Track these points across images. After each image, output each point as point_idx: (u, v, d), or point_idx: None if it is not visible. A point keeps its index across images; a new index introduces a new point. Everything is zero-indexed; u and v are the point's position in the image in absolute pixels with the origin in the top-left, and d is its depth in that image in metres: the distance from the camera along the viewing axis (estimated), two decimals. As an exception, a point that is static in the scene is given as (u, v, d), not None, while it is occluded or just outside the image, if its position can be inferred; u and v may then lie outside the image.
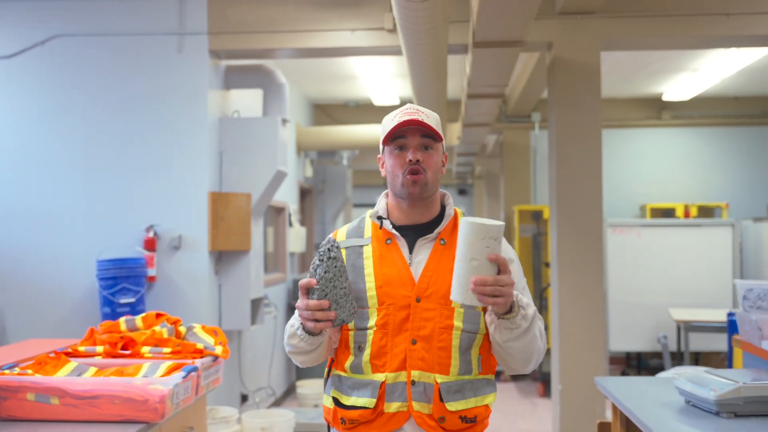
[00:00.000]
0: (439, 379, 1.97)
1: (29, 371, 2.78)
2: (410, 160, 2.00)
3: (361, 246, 2.08)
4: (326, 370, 2.13)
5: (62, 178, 5.26)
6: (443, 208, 2.14)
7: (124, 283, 4.92)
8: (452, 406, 1.97)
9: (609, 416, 5.22)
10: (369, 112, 9.95)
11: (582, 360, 5.05)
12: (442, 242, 2.05)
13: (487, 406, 2.05)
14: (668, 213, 9.02)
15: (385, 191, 2.17)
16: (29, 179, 5.27)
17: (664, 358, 6.77)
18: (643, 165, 10.02)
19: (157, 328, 3.18)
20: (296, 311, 1.99)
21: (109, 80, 5.28)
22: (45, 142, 5.27)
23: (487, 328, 2.02)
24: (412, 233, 2.06)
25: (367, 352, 2.00)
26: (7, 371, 2.75)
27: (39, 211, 5.24)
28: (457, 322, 1.99)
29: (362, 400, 1.99)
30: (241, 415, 4.69)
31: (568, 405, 5.05)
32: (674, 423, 2.64)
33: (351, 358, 2.03)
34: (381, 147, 2.11)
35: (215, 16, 5.25)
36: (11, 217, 5.25)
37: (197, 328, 3.32)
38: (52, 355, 2.99)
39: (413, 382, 1.97)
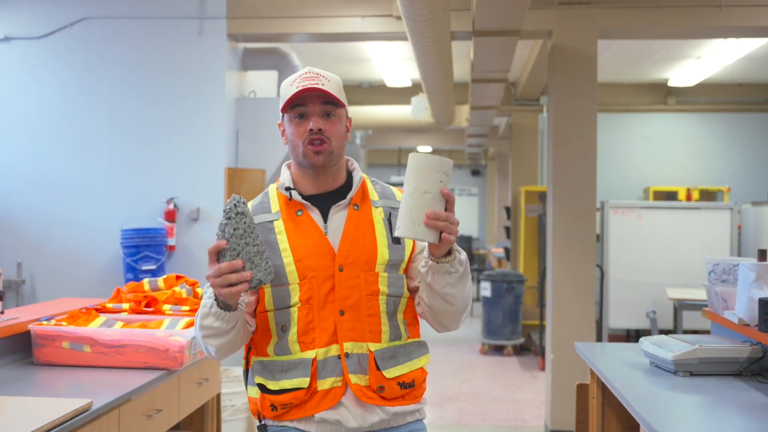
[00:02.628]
0: (372, 347, 1.90)
1: (64, 323, 3.14)
2: (311, 129, 1.90)
3: (271, 221, 1.95)
4: (244, 361, 2.02)
5: (89, 153, 5.62)
6: (350, 174, 2.05)
7: (145, 252, 5.28)
8: (389, 373, 1.90)
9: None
10: (382, 93, 10.23)
11: (573, 331, 5.36)
12: (355, 207, 1.96)
13: (422, 369, 1.99)
14: (671, 196, 9.26)
15: (288, 162, 2.05)
16: (59, 153, 5.63)
17: (652, 333, 7.07)
18: (648, 149, 10.25)
19: (177, 289, 3.53)
20: (207, 288, 1.86)
21: (134, 61, 5.61)
22: (73, 118, 5.63)
23: (409, 291, 2.00)
24: (323, 201, 1.96)
25: (293, 330, 1.89)
26: (44, 322, 3.10)
27: (67, 182, 5.61)
28: (383, 287, 1.92)
29: (293, 381, 1.88)
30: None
31: (558, 372, 5.38)
32: (636, 380, 2.95)
33: (274, 340, 1.92)
34: (281, 114, 1.98)
35: (233, 1, 5.56)
36: (42, 187, 5.62)
37: (213, 290, 3.66)
38: (83, 310, 3.35)
39: (347, 354, 1.88)
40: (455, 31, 5.42)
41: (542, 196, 9.11)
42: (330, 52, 8.18)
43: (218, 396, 3.83)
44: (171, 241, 5.47)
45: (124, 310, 3.42)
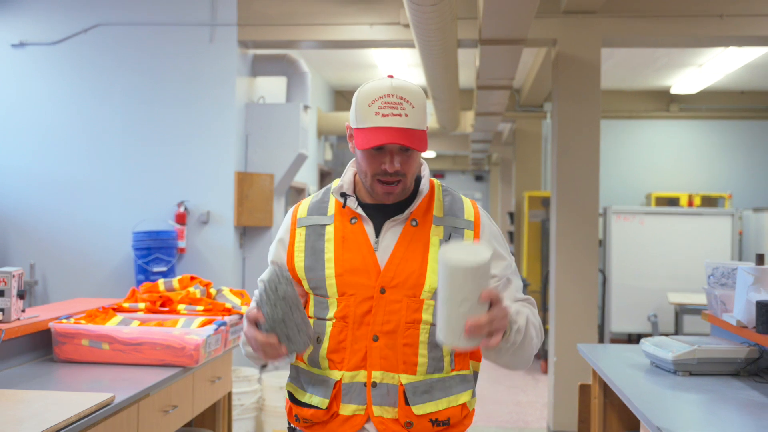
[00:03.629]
0: (404, 379, 1.76)
1: (82, 322, 3.24)
2: (386, 170, 1.75)
3: (323, 225, 1.85)
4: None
5: (102, 156, 5.73)
6: (417, 180, 1.88)
7: (157, 254, 5.39)
8: (420, 409, 1.76)
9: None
10: (387, 98, 10.31)
11: (576, 334, 5.45)
12: (413, 223, 1.81)
13: (464, 405, 1.84)
14: (673, 202, 9.37)
15: (353, 160, 1.89)
16: (73, 156, 5.74)
17: (653, 335, 7.16)
18: (651, 155, 10.36)
19: (191, 289, 3.64)
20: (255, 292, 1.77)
21: (147, 66, 5.73)
22: (86, 122, 5.74)
23: None
24: (381, 212, 1.82)
25: (325, 345, 1.80)
26: (64, 320, 3.20)
27: (81, 185, 5.72)
28: (426, 316, 1.78)
29: (315, 398, 1.81)
30: (261, 375, 5.15)
31: (561, 374, 5.47)
32: (637, 380, 3.05)
33: (310, 350, 1.83)
34: (351, 119, 1.81)
35: (244, 8, 5.67)
36: (56, 189, 5.74)
37: (226, 291, 3.77)
38: (100, 309, 3.45)
39: (374, 384, 1.76)
40: (462, 39, 5.53)
41: (545, 202, 9.21)
42: (337, 58, 8.30)
43: (230, 394, 3.93)
44: (181, 244, 5.57)
45: (140, 310, 3.52)
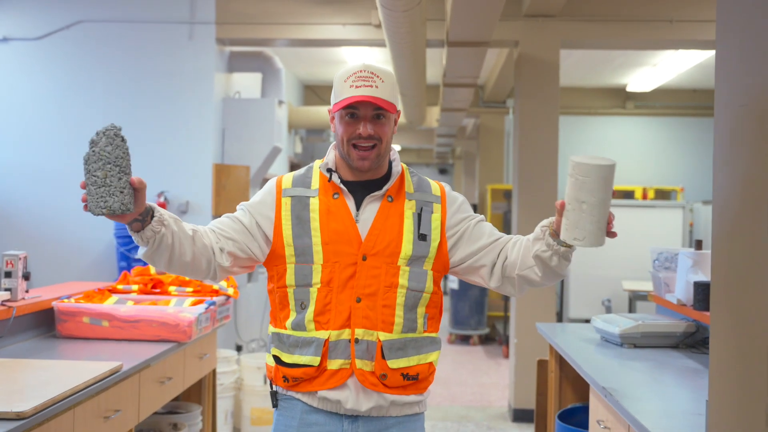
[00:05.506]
0: (382, 336, 1.98)
1: (82, 301, 3.50)
2: (360, 134, 1.98)
3: (308, 197, 2.05)
4: (269, 326, 2.12)
5: (84, 148, 5.92)
6: (390, 164, 2.11)
7: (138, 241, 5.62)
8: (394, 363, 1.98)
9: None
10: (355, 93, 10.59)
11: (535, 318, 5.81)
12: (389, 199, 2.04)
13: (430, 363, 2.05)
14: (628, 195, 9.78)
15: (334, 143, 2.10)
16: (54, 149, 5.95)
17: (609, 320, 7.57)
18: (608, 150, 10.77)
19: (180, 272, 3.90)
20: None
21: (127, 62, 5.95)
22: (68, 116, 5.96)
23: (435, 286, 2.06)
24: (360, 189, 2.04)
25: (311, 309, 1.98)
26: (65, 300, 3.46)
27: (63, 176, 5.93)
28: (402, 281, 2.00)
29: (305, 357, 1.98)
30: (240, 357, 5.42)
31: (521, 355, 5.83)
32: (587, 352, 3.40)
33: (293, 315, 2.01)
34: (332, 101, 2.03)
35: (222, 7, 5.93)
36: (39, 181, 5.94)
37: (212, 274, 4.04)
38: (96, 290, 3.71)
39: (357, 340, 1.97)
40: (430, 39, 5.84)
41: (507, 194, 9.59)
42: (308, 54, 8.56)
43: (214, 371, 4.21)
44: (161, 232, 5.80)
45: (134, 291, 3.78)
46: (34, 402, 2.14)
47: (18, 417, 2.05)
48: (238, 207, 2.16)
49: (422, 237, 2.03)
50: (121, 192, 1.85)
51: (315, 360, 1.97)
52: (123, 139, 1.90)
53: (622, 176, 10.70)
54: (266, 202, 2.09)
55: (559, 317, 8.12)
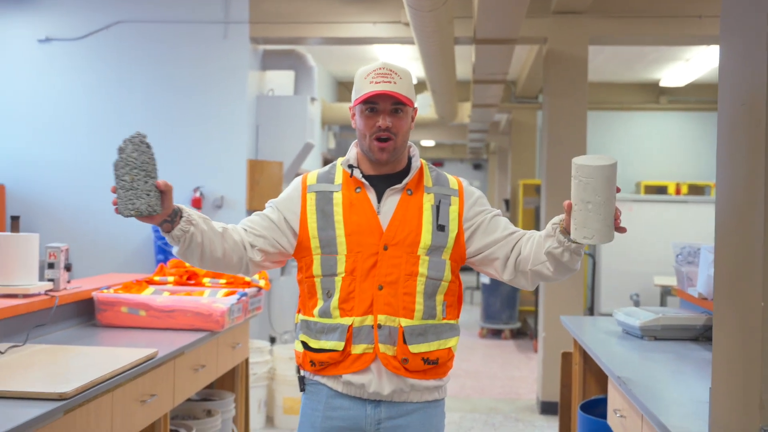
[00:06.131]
0: (404, 322, 2.08)
1: (121, 292, 3.66)
2: (380, 126, 2.09)
3: (332, 192, 2.16)
4: (296, 315, 2.24)
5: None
6: (410, 159, 2.22)
7: (175, 235, 5.80)
8: (415, 348, 2.08)
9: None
10: (388, 90, 10.70)
11: (562, 311, 5.88)
12: (408, 192, 2.15)
13: (449, 349, 2.16)
14: (661, 190, 9.78)
15: (356, 140, 2.23)
16: (96, 145, 6.16)
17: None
18: (641, 145, 10.77)
19: (214, 265, 4.05)
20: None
21: (164, 61, 6.14)
22: (109, 114, 6.16)
23: (453, 275, 2.16)
24: (381, 183, 2.15)
25: (336, 297, 2.09)
26: (105, 290, 3.62)
27: (104, 172, 6.08)
28: (422, 269, 2.10)
29: (330, 343, 2.09)
30: (272, 347, 5.57)
31: (548, 348, 5.90)
32: (609, 345, 3.47)
33: (320, 304, 2.12)
34: (353, 98, 2.16)
35: (255, 7, 6.07)
36: (81, 176, 6.16)
37: (244, 267, 4.18)
38: (134, 282, 3.87)
39: (379, 326, 2.07)
40: (458, 36, 5.92)
41: (539, 189, 9.63)
42: (341, 51, 8.70)
43: (246, 360, 4.35)
44: (197, 226, 5.98)
45: (169, 282, 3.94)
46: (76, 384, 2.28)
47: (60, 398, 2.19)
48: (266, 204, 2.26)
49: (441, 228, 2.13)
50: (148, 194, 1.98)
51: (339, 345, 2.08)
52: (148, 146, 2.04)
53: (655, 171, 10.68)
54: (293, 198, 2.21)
55: (591, 312, 8.15)
